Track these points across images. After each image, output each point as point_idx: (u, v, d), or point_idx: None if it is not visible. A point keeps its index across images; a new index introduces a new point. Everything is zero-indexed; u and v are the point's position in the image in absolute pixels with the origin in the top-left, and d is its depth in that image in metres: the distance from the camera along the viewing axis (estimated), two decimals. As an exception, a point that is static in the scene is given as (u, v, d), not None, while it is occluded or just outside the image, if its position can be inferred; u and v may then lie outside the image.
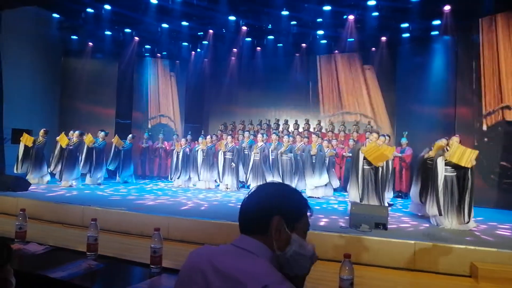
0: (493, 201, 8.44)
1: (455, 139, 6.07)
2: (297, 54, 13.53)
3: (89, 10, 10.59)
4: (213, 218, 5.89)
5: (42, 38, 11.95)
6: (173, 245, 5.20)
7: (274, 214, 1.05)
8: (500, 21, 8.83)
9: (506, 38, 8.76)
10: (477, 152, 5.94)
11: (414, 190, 7.01)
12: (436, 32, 10.54)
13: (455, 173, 5.90)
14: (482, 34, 9.10)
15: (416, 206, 7.05)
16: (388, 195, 6.89)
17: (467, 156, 5.83)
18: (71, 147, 9.45)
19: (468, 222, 5.75)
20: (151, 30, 11.72)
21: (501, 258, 4.51)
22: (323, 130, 12.60)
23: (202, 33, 12.25)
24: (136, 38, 12.47)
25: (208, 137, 10.91)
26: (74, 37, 12.39)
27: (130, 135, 11.46)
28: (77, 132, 9.67)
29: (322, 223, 5.91)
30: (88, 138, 9.94)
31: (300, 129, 12.83)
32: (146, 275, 2.01)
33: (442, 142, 6.49)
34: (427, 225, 6.12)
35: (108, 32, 11.91)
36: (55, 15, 11.59)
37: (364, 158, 6.67)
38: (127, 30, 12.00)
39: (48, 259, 2.23)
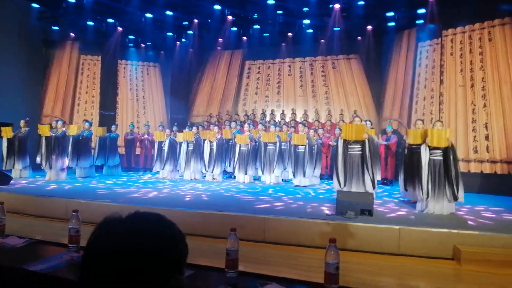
0: (475, 186, 8.67)
1: (438, 125, 6.15)
2: (283, 44, 13.48)
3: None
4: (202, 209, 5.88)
5: (22, 29, 11.63)
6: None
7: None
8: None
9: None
10: (449, 130, 6.10)
11: (401, 178, 7.12)
12: (421, 21, 10.60)
13: (442, 157, 6.00)
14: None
15: (406, 192, 7.16)
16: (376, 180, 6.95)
17: (443, 136, 5.97)
18: (55, 134, 9.27)
19: (457, 199, 5.83)
20: (134, 20, 11.54)
21: (482, 240, 4.62)
22: (310, 120, 12.64)
23: (187, 23, 12.10)
24: (120, 29, 12.26)
25: (194, 128, 10.83)
26: (55, 27, 12.10)
27: (114, 126, 11.30)
28: (60, 122, 9.50)
29: (308, 211, 5.96)
30: (72, 128, 9.77)
31: (287, 119, 12.85)
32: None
33: (418, 124, 6.65)
34: (413, 210, 6.22)
35: (90, 23, 11.66)
36: (34, 5, 11.26)
37: (347, 144, 6.71)
38: (110, 20, 11.78)
39: (28, 252, 2.18)
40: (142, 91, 14.24)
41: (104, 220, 0.87)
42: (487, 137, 8.92)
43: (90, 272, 0.81)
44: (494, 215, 5.96)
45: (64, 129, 9.52)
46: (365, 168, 6.58)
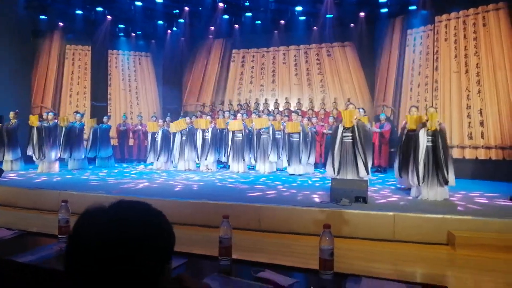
0: (470, 172, 8.73)
1: (432, 110, 6.13)
2: (276, 31, 13.32)
3: (57, -13, 10.12)
4: (196, 198, 5.85)
5: (9, 19, 11.35)
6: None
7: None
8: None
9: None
10: (436, 113, 6.09)
11: (396, 165, 7.11)
12: (414, 7, 10.52)
13: (432, 143, 6.00)
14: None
15: (401, 179, 7.15)
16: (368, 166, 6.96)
17: (434, 120, 5.97)
18: (46, 124, 9.14)
19: (447, 183, 5.85)
20: (124, 9, 11.32)
21: (476, 225, 4.64)
22: (303, 108, 12.59)
23: (177, 11, 11.89)
24: (109, 17, 12.02)
25: (187, 118, 10.73)
26: (43, 16, 11.83)
27: (106, 117, 11.17)
28: (51, 114, 9.36)
29: (302, 199, 5.95)
30: (62, 119, 9.64)
31: (281, 108, 12.80)
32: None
33: (412, 111, 6.65)
34: (407, 197, 6.24)
35: (79, 11, 11.41)
36: (21, -7, 11.01)
37: (344, 131, 6.69)
38: (99, 9, 11.54)
39: (17, 244, 2.13)
40: (134, 81, 14.09)
41: (87, 210, 0.83)
42: (481, 123, 8.93)
43: (75, 262, 0.78)
44: (487, 201, 5.98)
45: (55, 120, 9.39)
46: (357, 154, 6.57)
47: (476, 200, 6.06)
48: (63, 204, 2.26)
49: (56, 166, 9.22)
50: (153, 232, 0.82)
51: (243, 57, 14.31)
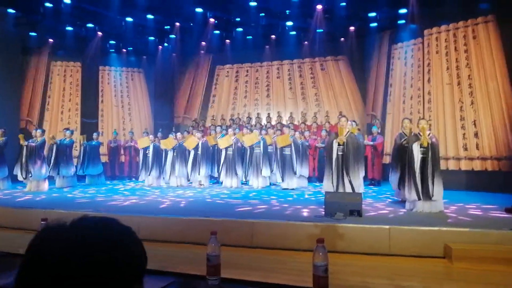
0: (466, 184, 8.72)
1: (423, 123, 6.09)
2: (267, 46, 13.38)
3: (48, 4, 10.06)
4: (187, 215, 5.70)
5: (-1, 36, 11.27)
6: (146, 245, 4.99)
7: None
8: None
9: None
10: (427, 125, 6.05)
11: (394, 178, 6.99)
12: (403, 21, 10.66)
13: (423, 155, 5.96)
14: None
15: (398, 192, 7.06)
16: (361, 180, 6.88)
17: (425, 134, 5.92)
18: (33, 144, 8.97)
19: (430, 198, 5.77)
20: (115, 25, 11.30)
21: (473, 237, 4.57)
22: (295, 122, 12.57)
23: (168, 26, 11.91)
24: (100, 33, 11.99)
25: (179, 133, 10.64)
26: (33, 33, 11.76)
27: (95, 133, 11.04)
28: (39, 131, 9.21)
29: (295, 213, 5.85)
30: (48, 137, 9.50)
31: (273, 122, 12.77)
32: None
33: (405, 123, 6.62)
34: (402, 210, 6.16)
35: (69, 28, 11.38)
36: (10, 10, 10.91)
37: (338, 145, 6.64)
38: (90, 25, 11.51)
39: (-5, 265, 2.00)
40: (126, 97, 14.02)
41: (45, 226, 0.73)
42: (476, 134, 8.94)
43: (27, 285, 0.67)
44: (482, 212, 5.93)
45: (43, 137, 9.23)
46: (349, 167, 6.53)
47: (472, 212, 6.01)
48: (42, 222, 2.13)
49: (45, 185, 9.00)
50: (121, 250, 0.72)
51: (237, 71, 14.33)
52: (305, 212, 5.94)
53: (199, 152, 9.84)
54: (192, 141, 9.93)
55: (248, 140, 9.58)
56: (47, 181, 9.11)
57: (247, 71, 14.24)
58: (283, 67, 13.85)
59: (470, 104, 9.07)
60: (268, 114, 13.35)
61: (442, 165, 9.12)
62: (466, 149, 9.09)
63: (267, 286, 1.61)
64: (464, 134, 9.14)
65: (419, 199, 5.85)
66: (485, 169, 8.75)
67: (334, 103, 13.08)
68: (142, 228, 5.49)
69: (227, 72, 14.41)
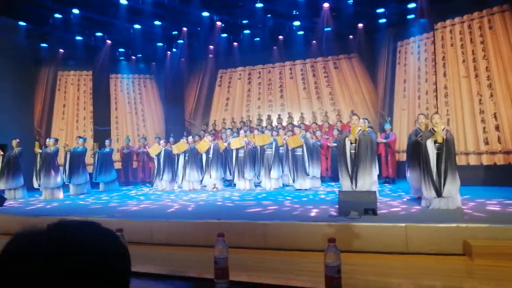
0: (488, 179, 8.47)
1: (436, 118, 5.94)
2: (275, 47, 13.32)
3: (57, 15, 10.22)
4: (198, 218, 5.68)
5: (10, 48, 11.47)
6: (158, 249, 4.98)
7: None
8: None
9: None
10: (440, 121, 5.86)
11: (413, 175, 6.76)
12: (412, 16, 10.49)
13: (438, 151, 5.81)
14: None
15: (416, 190, 6.87)
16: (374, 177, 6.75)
17: (439, 130, 5.78)
18: (48, 151, 9.09)
19: (440, 195, 5.62)
20: (123, 33, 11.43)
21: (493, 233, 4.42)
22: (306, 122, 12.47)
23: (176, 32, 11.98)
24: (109, 42, 12.14)
25: (190, 137, 10.65)
26: (44, 45, 11.97)
27: (107, 140, 11.14)
28: (52, 140, 9.33)
29: (311, 214, 5.76)
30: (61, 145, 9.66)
31: (284, 123, 12.70)
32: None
33: (421, 119, 6.51)
34: (418, 207, 6.02)
35: (79, 38, 11.55)
36: (21, 23, 11.13)
37: (350, 143, 6.55)
38: (99, 34, 11.67)
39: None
40: (139, 104, 14.16)
41: (20, 232, 0.67)
42: (497, 128, 8.63)
43: None
44: (502, 208, 5.73)
45: (57, 146, 9.35)
46: (360, 165, 6.43)
47: (491, 207, 5.82)
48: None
49: (60, 193, 9.11)
50: (103, 259, 0.67)
51: (249, 74, 14.23)
52: (318, 212, 5.85)
53: (211, 155, 9.82)
54: (204, 144, 9.94)
55: (259, 140, 9.53)
56: (61, 189, 9.21)
57: (259, 73, 14.13)
58: (296, 67, 13.67)
59: (489, 96, 8.76)
60: (279, 115, 13.28)
61: (463, 160, 8.95)
62: (487, 143, 8.78)
63: (273, 287, 1.55)
64: (484, 127, 8.84)
65: (439, 196, 5.69)
66: (509, 163, 8.40)
67: (350, 102, 12.80)
68: (155, 232, 5.50)
69: (240, 74, 14.34)
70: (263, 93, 14.06)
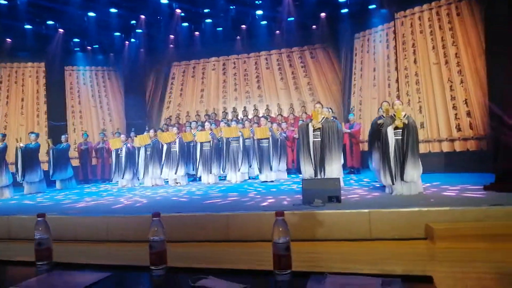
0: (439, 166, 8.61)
1: (398, 104, 5.95)
2: (238, 37, 13.02)
3: (2, 1, 9.45)
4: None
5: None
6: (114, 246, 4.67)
7: None
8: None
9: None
10: (401, 107, 5.87)
11: (376, 158, 6.71)
12: (373, 6, 10.55)
13: (400, 136, 5.82)
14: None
15: (379, 175, 6.83)
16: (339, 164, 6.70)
17: (399, 116, 5.78)
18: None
19: (409, 179, 5.64)
20: (76, 21, 10.72)
21: (454, 215, 4.45)
22: (272, 114, 12.34)
23: (134, 21, 11.41)
24: (61, 31, 11.37)
25: (151, 131, 10.23)
26: (-11, 34, 11.08)
27: (63, 136, 10.51)
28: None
29: (270, 203, 5.61)
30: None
31: (250, 116, 12.51)
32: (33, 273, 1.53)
33: (384, 106, 6.54)
34: (381, 194, 6.02)
35: (28, 26, 10.74)
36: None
37: (314, 131, 6.46)
38: (50, 23, 10.89)
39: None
40: (98, 98, 13.48)
41: None
42: (468, 114, 8.75)
43: None
44: (459, 192, 5.80)
45: (4, 142, 8.69)
46: (326, 153, 6.35)
47: (449, 192, 5.88)
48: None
49: (8, 192, 8.48)
50: None
51: (224, 64, 13.80)
52: (283, 202, 5.71)
53: (177, 150, 9.46)
54: (169, 135, 9.56)
55: (227, 132, 9.27)
56: (10, 188, 8.58)
57: (234, 63, 13.75)
58: (261, 58, 13.41)
59: (459, 83, 8.87)
60: (244, 107, 13.07)
61: (436, 147, 9.06)
62: (459, 129, 8.87)
63: (221, 272, 1.35)
64: (456, 114, 8.93)
65: (393, 183, 5.72)
66: (481, 149, 8.49)
67: (315, 93, 12.71)
68: (110, 228, 5.17)
69: (214, 65, 13.89)
70: (229, 84, 13.75)
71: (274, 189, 7.41)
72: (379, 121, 6.38)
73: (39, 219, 1.66)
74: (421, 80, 9.59)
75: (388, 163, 5.76)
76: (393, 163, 5.73)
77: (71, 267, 1.60)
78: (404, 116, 5.84)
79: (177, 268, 1.43)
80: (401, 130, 5.80)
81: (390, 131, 5.81)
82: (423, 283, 1.26)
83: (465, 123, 8.82)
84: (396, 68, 9.99)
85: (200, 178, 9.62)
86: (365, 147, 10.42)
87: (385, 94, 10.56)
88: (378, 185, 7.00)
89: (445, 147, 9.09)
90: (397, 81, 10.07)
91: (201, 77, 14.03)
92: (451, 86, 9.05)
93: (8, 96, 12.18)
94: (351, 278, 1.26)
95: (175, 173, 9.41)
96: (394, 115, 5.88)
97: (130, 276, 1.46)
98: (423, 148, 9.07)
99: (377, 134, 6.56)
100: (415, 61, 9.73)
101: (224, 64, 13.84)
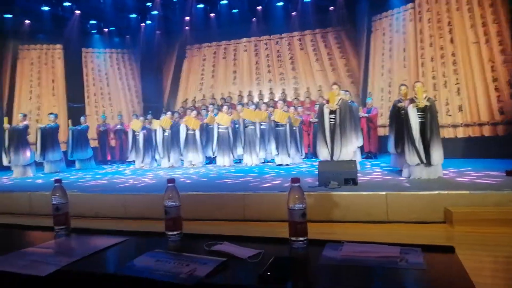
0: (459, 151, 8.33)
1: (418, 85, 5.80)
2: (254, 19, 12.72)
3: (19, -16, 9.51)
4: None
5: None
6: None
7: None
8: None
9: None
10: (423, 87, 5.76)
11: (391, 141, 6.64)
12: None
13: (423, 119, 5.67)
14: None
15: (396, 159, 6.72)
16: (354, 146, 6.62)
17: (420, 96, 5.64)
18: (19, 127, 8.62)
19: (434, 163, 5.53)
20: (93, 3, 10.69)
21: (474, 200, 4.36)
22: (288, 98, 12.22)
23: (150, 3, 11.29)
24: (77, 12, 11.35)
25: (169, 113, 10.27)
26: (8, 15, 11.12)
27: (82, 117, 10.67)
28: (20, 115, 8.86)
29: (288, 185, 5.58)
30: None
31: (265, 99, 12.43)
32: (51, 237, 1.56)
33: (402, 90, 6.41)
34: (399, 177, 5.92)
35: (45, 8, 10.77)
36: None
37: (330, 113, 6.36)
38: (66, 4, 10.89)
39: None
40: (115, 80, 13.57)
41: None
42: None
43: None
44: (483, 175, 5.66)
45: (26, 122, 8.88)
46: (342, 136, 6.27)
47: (469, 177, 5.73)
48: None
49: (30, 170, 8.71)
50: None
51: (235, 49, 13.70)
52: (303, 183, 5.65)
53: (196, 134, 9.51)
54: (196, 121, 9.61)
55: (252, 115, 9.22)
56: (32, 167, 8.81)
57: (245, 46, 13.54)
58: (272, 41, 13.22)
59: (502, 63, 8.22)
60: (260, 91, 12.97)
61: (475, 132, 8.57)
62: (502, 112, 8.21)
63: (236, 239, 1.33)
64: (498, 96, 8.26)
65: (422, 162, 5.56)
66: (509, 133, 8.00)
67: (332, 77, 12.41)
68: (127, 205, 5.26)
69: (224, 49, 13.69)
70: (248, 69, 13.61)
71: (283, 172, 7.38)
72: (399, 104, 6.24)
73: (56, 184, 1.67)
74: (457, 60, 8.89)
75: (413, 144, 5.60)
76: (419, 143, 5.59)
77: (88, 232, 1.62)
78: (425, 98, 5.68)
79: (192, 235, 1.43)
80: (423, 113, 5.64)
81: (411, 111, 5.64)
82: (445, 253, 1.22)
83: (508, 106, 8.15)
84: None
85: (215, 161, 9.65)
86: (382, 132, 10.22)
87: (418, 75, 9.70)
88: (395, 169, 6.89)
89: (487, 131, 8.48)
90: (432, 60, 9.40)
91: (212, 61, 13.86)
92: (492, 67, 8.39)
93: (31, 76, 12.37)
94: (369, 246, 1.23)
95: (199, 156, 9.48)
96: (415, 97, 5.73)
97: (145, 240, 1.46)
98: (462, 133, 8.71)
99: (395, 117, 6.44)
100: (451, 40, 9.05)
101: (234, 49, 13.66)
